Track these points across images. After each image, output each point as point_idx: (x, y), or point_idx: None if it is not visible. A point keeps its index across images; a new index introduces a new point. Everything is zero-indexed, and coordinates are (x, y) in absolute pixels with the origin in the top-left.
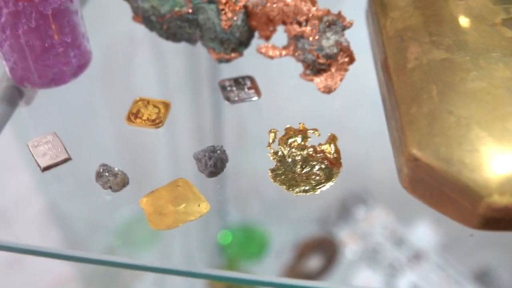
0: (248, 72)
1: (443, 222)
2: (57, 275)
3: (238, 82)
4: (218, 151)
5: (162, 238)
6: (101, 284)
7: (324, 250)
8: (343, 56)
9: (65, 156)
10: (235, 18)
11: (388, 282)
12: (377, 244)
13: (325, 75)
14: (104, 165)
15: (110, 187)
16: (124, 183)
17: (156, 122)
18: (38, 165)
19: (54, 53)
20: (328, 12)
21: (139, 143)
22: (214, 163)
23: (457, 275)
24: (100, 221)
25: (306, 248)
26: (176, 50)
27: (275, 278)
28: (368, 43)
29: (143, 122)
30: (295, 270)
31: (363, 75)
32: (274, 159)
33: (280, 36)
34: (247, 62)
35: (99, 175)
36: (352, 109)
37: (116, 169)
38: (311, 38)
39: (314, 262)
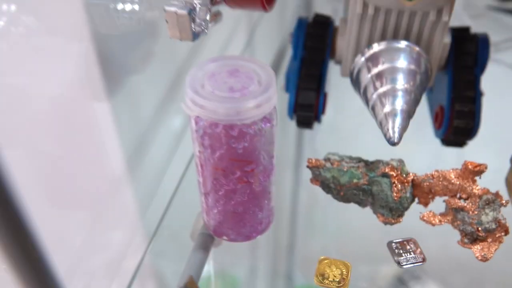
0: (407, 234)
1: None
2: None
3: (404, 244)
4: None
5: None
6: None
7: None
8: (500, 231)
9: None
10: (404, 191)
11: None
12: None
13: (481, 244)
14: None
15: None
16: None
17: (341, 285)
18: None
19: (254, 217)
20: (487, 191)
21: None
22: None
23: None
24: None
25: None
26: (346, 211)
27: None
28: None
29: (330, 283)
30: None
31: None
32: None
33: (436, 202)
34: (406, 224)
35: None
36: (506, 279)
37: None
38: (470, 212)
39: None
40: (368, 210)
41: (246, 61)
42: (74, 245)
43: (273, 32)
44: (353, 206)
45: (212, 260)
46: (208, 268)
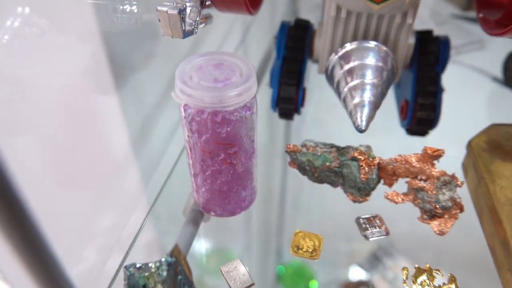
0: (374, 211)
1: None
2: None
3: (370, 220)
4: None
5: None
6: None
7: None
8: (456, 208)
9: (250, 282)
10: (371, 173)
11: None
12: None
13: (439, 220)
14: None
15: None
16: None
17: (313, 254)
18: None
19: (238, 195)
20: (444, 173)
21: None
22: None
23: None
24: None
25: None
26: (319, 190)
27: None
28: (467, 192)
29: (304, 253)
30: None
31: (468, 221)
32: None
33: (399, 183)
34: (373, 203)
35: None
36: (461, 252)
37: None
38: (429, 192)
39: None
40: (339, 189)
41: (229, 56)
42: (79, 221)
43: (263, 35)
44: (326, 186)
45: (207, 236)
46: (205, 244)
